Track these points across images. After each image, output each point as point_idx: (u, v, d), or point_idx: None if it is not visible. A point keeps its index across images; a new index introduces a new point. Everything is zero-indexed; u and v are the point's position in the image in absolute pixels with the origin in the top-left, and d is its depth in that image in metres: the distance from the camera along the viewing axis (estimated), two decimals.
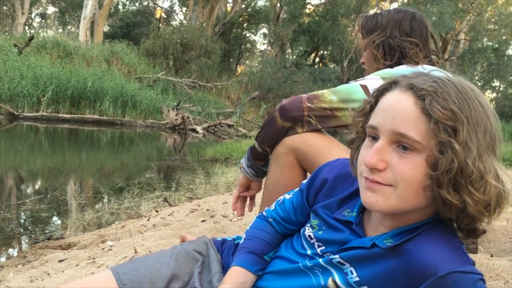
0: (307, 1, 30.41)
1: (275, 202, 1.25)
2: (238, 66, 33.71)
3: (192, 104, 17.96)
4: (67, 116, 14.08)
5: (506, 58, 31.59)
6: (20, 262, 2.76)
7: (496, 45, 30.98)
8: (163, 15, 34.52)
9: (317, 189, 1.10)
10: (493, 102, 38.56)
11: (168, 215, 3.65)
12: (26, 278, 2.16)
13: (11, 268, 2.61)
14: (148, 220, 3.55)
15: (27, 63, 15.22)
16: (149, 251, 2.19)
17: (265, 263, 1.13)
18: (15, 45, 16.48)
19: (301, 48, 27.26)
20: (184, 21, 30.22)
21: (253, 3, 29.89)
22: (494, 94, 41.17)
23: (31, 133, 11.52)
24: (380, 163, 0.85)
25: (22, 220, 3.89)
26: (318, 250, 1.03)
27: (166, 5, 44.56)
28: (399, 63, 1.75)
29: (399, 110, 0.84)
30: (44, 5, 37.96)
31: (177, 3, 34.37)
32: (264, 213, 1.25)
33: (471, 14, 30.08)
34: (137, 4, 34.37)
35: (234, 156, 8.12)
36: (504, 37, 32.82)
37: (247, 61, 38.96)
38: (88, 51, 18.86)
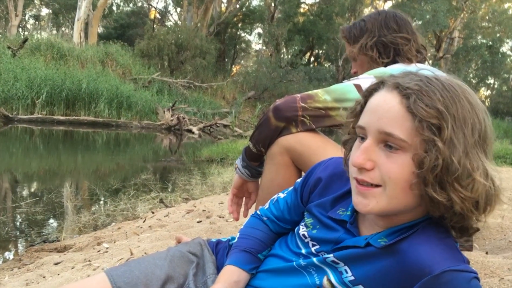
0: (301, 1, 30.42)
1: (269, 201, 1.25)
2: (233, 66, 33.70)
3: (188, 104, 17.94)
4: (62, 118, 14.04)
5: (500, 56, 31.76)
6: (16, 265, 2.75)
7: (490, 43, 31.13)
8: (158, 15, 34.47)
9: (311, 188, 1.10)
10: (488, 100, 38.73)
11: (164, 216, 3.64)
12: (22, 282, 2.15)
13: (7, 271, 2.60)
14: (144, 221, 3.54)
15: (21, 65, 15.16)
16: (145, 253, 2.18)
17: (259, 261, 1.13)
18: (9, 47, 16.39)
19: (296, 47, 27.28)
20: (179, 22, 30.20)
21: (247, 3, 29.89)
22: (489, 92, 41.38)
23: (26, 135, 11.47)
24: (368, 163, 0.85)
25: (17, 223, 3.87)
26: (313, 249, 1.03)
27: (161, 5, 44.55)
28: (394, 61, 1.76)
29: (385, 110, 0.85)
30: (37, 7, 37.84)
31: (171, 3, 34.34)
32: (258, 212, 1.25)
33: (465, 12, 30.20)
34: (131, 5, 34.32)
35: (230, 156, 8.12)
36: (498, 35, 33.01)
37: (242, 61, 38.95)
38: (82, 53, 18.80)
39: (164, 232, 2.79)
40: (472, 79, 33.44)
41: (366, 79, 1.61)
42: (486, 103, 35.30)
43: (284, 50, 29.30)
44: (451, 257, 0.83)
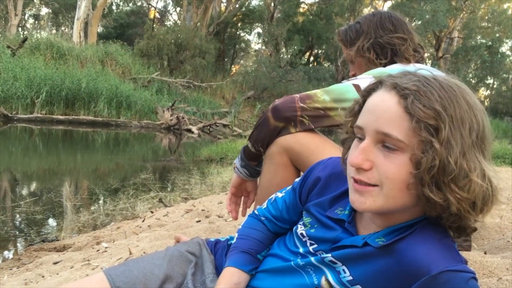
0: (301, 0, 30.43)
1: (267, 201, 1.25)
2: (232, 66, 33.69)
3: (187, 104, 17.93)
4: (61, 117, 14.04)
5: (499, 56, 31.77)
6: (15, 264, 2.75)
7: (490, 43, 31.15)
8: (157, 15, 34.47)
9: (310, 187, 1.11)
10: (487, 100, 38.74)
11: (163, 215, 3.64)
12: (21, 281, 2.15)
13: (6, 271, 2.60)
14: (143, 221, 3.55)
15: (20, 64, 15.14)
16: (144, 252, 2.18)
17: (258, 262, 1.13)
18: (8, 47, 16.37)
19: (295, 47, 27.27)
20: (178, 21, 30.17)
21: (247, 3, 29.90)
22: (488, 92, 41.36)
23: (25, 134, 11.47)
24: (365, 163, 0.85)
25: (16, 223, 3.87)
26: (310, 248, 1.03)
27: (160, 5, 44.51)
28: (392, 61, 1.77)
29: (382, 110, 0.85)
30: (37, 6, 37.81)
31: (171, 3, 34.34)
32: (256, 211, 1.25)
33: (464, 12, 30.22)
34: (130, 4, 34.30)
35: (230, 156, 8.12)
36: (497, 35, 33.02)
37: (242, 61, 38.94)
38: (82, 52, 18.79)
39: (163, 232, 2.79)
40: (471, 79, 33.44)
41: (365, 79, 1.61)
42: (485, 103, 35.35)
43: (284, 49, 29.27)
44: (449, 257, 0.83)
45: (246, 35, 35.15)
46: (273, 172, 1.62)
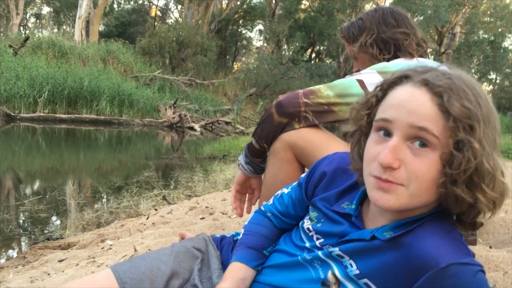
0: None
1: (273, 197, 1.25)
2: (234, 63, 33.64)
3: (189, 102, 17.94)
4: (64, 116, 14.07)
5: (502, 51, 31.70)
6: (20, 262, 2.76)
7: (492, 38, 31.05)
8: (159, 13, 34.46)
9: (316, 182, 1.10)
10: (490, 95, 38.57)
11: (167, 213, 3.65)
12: (26, 279, 2.15)
13: (11, 269, 2.61)
14: (147, 218, 3.55)
15: (22, 63, 15.17)
16: (149, 250, 2.19)
17: (264, 257, 1.13)
18: (10, 46, 16.40)
19: (297, 44, 27.24)
20: (180, 19, 30.17)
21: (248, 0, 29.83)
22: (491, 87, 41.24)
23: (28, 134, 11.50)
24: (395, 162, 0.82)
25: (21, 221, 3.88)
26: (317, 243, 1.02)
27: (161, 3, 44.38)
28: (395, 56, 1.76)
29: (415, 105, 0.82)
30: (38, 5, 37.82)
31: (172, 1, 34.32)
32: (262, 207, 1.24)
33: (466, 7, 30.09)
34: (132, 2, 34.29)
35: (232, 153, 8.12)
36: (499, 30, 32.90)
37: (244, 58, 38.88)
38: (83, 51, 18.79)
39: (167, 229, 2.80)
40: (474, 74, 33.32)
41: (368, 74, 1.60)
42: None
43: (285, 46, 29.23)
44: (457, 250, 0.82)
45: (248, 32, 35.14)
46: (278, 168, 1.61)
